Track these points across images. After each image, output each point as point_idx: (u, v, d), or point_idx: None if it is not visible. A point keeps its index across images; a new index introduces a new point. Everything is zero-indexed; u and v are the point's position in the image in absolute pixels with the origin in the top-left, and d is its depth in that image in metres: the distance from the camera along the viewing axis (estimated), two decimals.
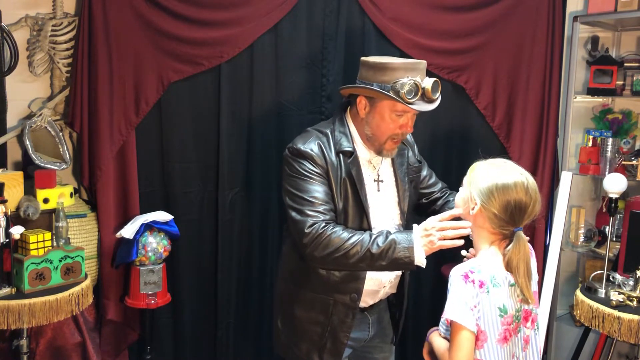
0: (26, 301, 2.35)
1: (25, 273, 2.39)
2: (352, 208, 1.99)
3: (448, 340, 1.73)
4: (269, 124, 3.07)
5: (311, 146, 1.96)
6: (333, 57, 3.00)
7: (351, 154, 2.00)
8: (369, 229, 2.01)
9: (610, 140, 3.12)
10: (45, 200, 2.69)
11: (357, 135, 2.06)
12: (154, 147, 3.10)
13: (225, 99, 3.04)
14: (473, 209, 1.76)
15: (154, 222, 2.94)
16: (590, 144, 3.22)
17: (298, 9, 2.97)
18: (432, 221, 1.86)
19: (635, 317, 2.38)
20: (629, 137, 3.23)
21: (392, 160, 2.13)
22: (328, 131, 2.03)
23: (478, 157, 1.82)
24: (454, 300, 1.67)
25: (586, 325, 2.57)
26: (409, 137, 2.27)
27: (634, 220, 2.64)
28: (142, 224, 2.91)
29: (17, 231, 2.41)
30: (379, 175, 2.10)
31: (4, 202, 2.38)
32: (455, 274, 1.69)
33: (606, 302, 2.49)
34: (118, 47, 2.94)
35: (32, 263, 2.41)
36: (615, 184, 2.60)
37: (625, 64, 3.13)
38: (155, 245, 2.93)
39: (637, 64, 3.12)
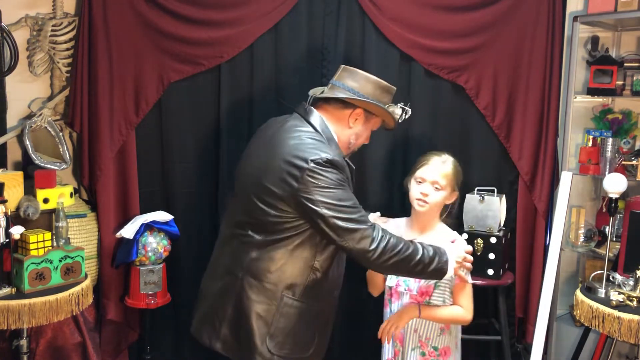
0: (26, 301, 2.35)
1: (25, 273, 2.39)
2: None
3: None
4: None
5: (335, 155, 1.94)
6: (333, 57, 3.00)
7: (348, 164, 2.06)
8: None
9: (610, 140, 3.12)
10: (45, 200, 2.69)
11: (338, 142, 2.10)
12: (154, 147, 3.10)
13: (225, 99, 3.04)
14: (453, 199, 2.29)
15: (154, 222, 2.94)
16: (590, 144, 3.21)
17: (298, 9, 2.97)
18: (463, 251, 2.13)
19: (635, 317, 2.38)
20: (629, 137, 3.23)
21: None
22: (325, 140, 2.01)
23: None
24: None
25: (586, 325, 2.57)
26: None
27: (634, 220, 2.64)
28: (142, 224, 2.91)
29: (17, 231, 2.41)
30: None
31: (4, 202, 2.38)
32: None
33: (606, 302, 2.49)
34: (118, 47, 2.94)
35: (32, 263, 2.41)
36: (615, 184, 2.60)
37: (625, 64, 3.13)
38: (155, 245, 2.93)
39: (637, 64, 3.11)
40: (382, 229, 1.94)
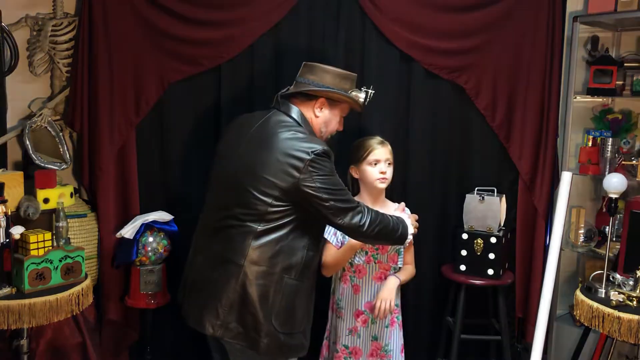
0: (26, 301, 2.35)
1: (26, 273, 2.39)
2: None
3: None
4: None
5: (326, 146, 2.16)
6: (333, 57, 2.99)
7: None
8: None
9: (610, 140, 3.12)
10: (45, 200, 2.69)
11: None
12: (154, 147, 3.10)
13: (225, 99, 3.04)
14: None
15: (154, 222, 2.94)
16: (590, 144, 3.22)
17: (298, 9, 2.97)
18: (413, 219, 2.47)
19: (635, 317, 2.38)
20: (629, 137, 3.23)
21: None
22: (308, 132, 2.24)
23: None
24: None
25: (586, 325, 2.57)
26: None
27: (634, 220, 2.64)
28: (142, 224, 2.91)
29: (17, 231, 2.41)
30: None
31: (4, 202, 2.38)
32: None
33: (606, 302, 2.49)
34: (118, 47, 2.94)
35: (32, 263, 2.41)
36: (615, 184, 2.60)
37: (625, 64, 3.13)
38: (155, 245, 2.93)
39: (637, 64, 3.12)
40: (366, 206, 2.22)
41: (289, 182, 2.07)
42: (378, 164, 2.59)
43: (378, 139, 2.65)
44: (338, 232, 2.64)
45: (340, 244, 2.61)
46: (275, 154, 2.09)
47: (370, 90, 2.39)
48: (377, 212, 2.25)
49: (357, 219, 2.15)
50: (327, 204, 2.10)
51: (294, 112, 2.25)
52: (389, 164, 2.62)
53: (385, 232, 2.25)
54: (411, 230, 2.36)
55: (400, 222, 2.33)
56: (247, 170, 2.13)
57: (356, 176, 2.66)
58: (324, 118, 2.31)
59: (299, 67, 3.02)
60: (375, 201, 2.66)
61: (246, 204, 2.11)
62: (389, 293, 2.58)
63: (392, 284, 2.61)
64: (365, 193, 2.67)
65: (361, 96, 2.35)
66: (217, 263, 2.17)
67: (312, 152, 2.08)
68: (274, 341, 2.12)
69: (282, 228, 2.12)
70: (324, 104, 2.29)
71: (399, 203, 2.78)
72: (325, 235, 2.66)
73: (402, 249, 2.67)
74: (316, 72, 2.30)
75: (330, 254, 2.61)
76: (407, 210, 2.64)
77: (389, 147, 2.64)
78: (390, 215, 2.32)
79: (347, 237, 2.59)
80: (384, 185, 2.62)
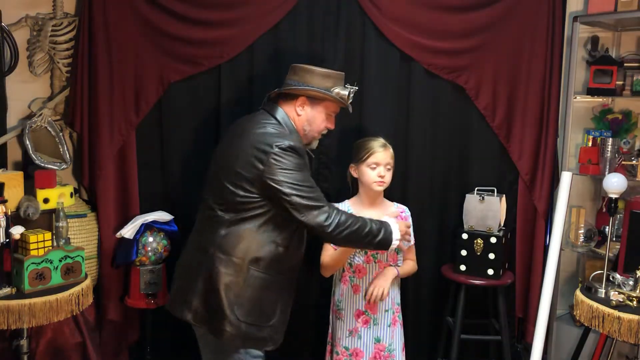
0: (26, 301, 2.35)
1: (26, 273, 2.39)
2: None
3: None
4: None
5: (296, 142, 2.19)
6: (333, 57, 3.00)
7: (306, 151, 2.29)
8: None
9: (610, 140, 3.12)
10: (45, 200, 2.69)
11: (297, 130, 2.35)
12: (154, 147, 3.10)
13: (225, 99, 3.04)
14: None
15: (154, 222, 2.94)
16: (590, 144, 3.22)
17: (298, 9, 2.97)
18: (404, 226, 2.42)
19: (635, 317, 2.38)
20: (629, 137, 3.23)
21: (310, 151, 2.46)
22: (287, 130, 2.27)
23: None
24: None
25: (586, 325, 2.57)
26: None
27: (634, 220, 2.64)
28: (142, 224, 2.91)
29: (17, 231, 2.41)
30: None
31: (4, 202, 2.38)
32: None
33: (606, 302, 2.49)
34: (118, 47, 2.94)
35: (32, 263, 2.41)
36: (615, 184, 2.60)
37: (625, 64, 3.13)
38: (155, 245, 2.93)
39: (637, 64, 3.12)
40: (337, 208, 2.21)
41: (253, 174, 2.12)
42: (377, 167, 2.59)
43: (381, 141, 2.64)
44: None
45: None
46: (244, 146, 2.16)
47: (353, 88, 2.38)
48: (351, 216, 2.23)
49: (321, 218, 2.13)
50: (288, 198, 2.11)
51: (278, 111, 2.30)
52: (389, 168, 2.62)
53: (357, 237, 2.21)
54: (397, 236, 2.31)
55: (383, 227, 2.28)
56: (223, 164, 2.22)
57: (355, 175, 2.67)
58: (306, 116, 2.34)
59: None
60: (372, 202, 2.67)
61: (219, 194, 2.20)
62: (384, 281, 2.58)
63: (390, 273, 2.62)
64: (363, 192, 2.68)
65: (343, 93, 2.35)
66: (195, 251, 2.28)
67: (276, 145, 2.12)
68: (236, 330, 2.16)
69: (252, 220, 2.17)
70: (304, 102, 2.33)
71: (398, 203, 2.79)
72: None
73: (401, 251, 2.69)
74: (299, 73, 2.34)
75: (328, 254, 2.62)
76: (408, 214, 2.72)
77: (391, 151, 2.64)
78: (371, 220, 2.27)
79: None
80: (380, 189, 2.63)
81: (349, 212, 2.66)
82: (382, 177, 2.59)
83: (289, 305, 2.34)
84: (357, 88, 2.40)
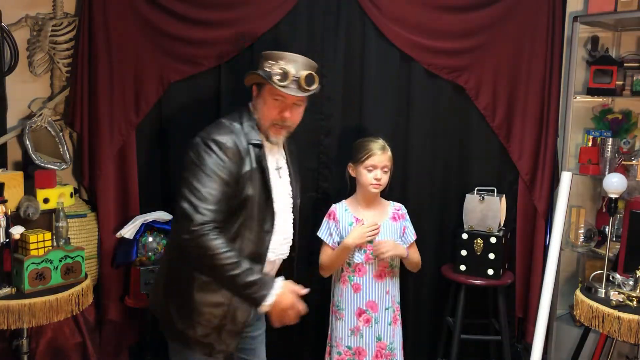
0: (26, 301, 2.35)
1: (26, 273, 2.39)
2: (260, 195, 2.12)
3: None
4: None
5: (226, 139, 2.04)
6: (333, 57, 3.00)
7: (260, 146, 2.13)
8: (273, 212, 2.16)
9: (610, 140, 3.12)
10: (45, 200, 2.69)
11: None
12: (154, 147, 3.10)
13: (225, 99, 3.04)
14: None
15: (154, 222, 2.94)
16: (590, 144, 3.21)
17: (298, 9, 2.97)
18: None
19: (635, 317, 2.38)
20: (629, 137, 3.23)
21: (285, 149, 2.34)
22: (237, 124, 2.12)
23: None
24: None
25: (586, 325, 2.57)
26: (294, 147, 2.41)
27: (634, 220, 2.64)
28: (142, 224, 2.91)
29: (17, 231, 2.41)
30: (277, 163, 2.26)
31: (4, 202, 2.38)
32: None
33: (606, 302, 2.49)
34: (118, 47, 2.94)
35: (32, 263, 2.41)
36: (615, 184, 2.60)
37: (625, 64, 3.13)
38: (155, 245, 2.93)
39: (637, 64, 3.11)
40: (219, 235, 1.94)
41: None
42: (374, 170, 2.60)
43: (380, 143, 2.64)
44: (333, 232, 2.66)
45: (336, 244, 2.62)
46: None
47: (285, 67, 2.10)
48: (230, 250, 1.93)
49: (187, 230, 1.91)
50: (179, 195, 1.97)
51: (250, 104, 2.22)
52: (385, 171, 2.63)
53: (218, 273, 1.95)
54: (269, 302, 1.95)
55: (261, 286, 1.95)
56: None
57: (353, 174, 2.68)
58: (256, 105, 2.19)
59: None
60: (369, 201, 2.69)
61: None
62: (393, 247, 2.60)
63: (401, 248, 2.65)
64: (359, 192, 2.71)
65: (275, 71, 2.10)
66: None
67: (200, 137, 2.03)
68: (171, 325, 2.13)
69: None
70: (255, 90, 2.21)
71: (399, 202, 2.80)
72: (321, 236, 2.68)
73: (400, 240, 2.70)
74: (259, 60, 2.22)
75: (326, 254, 2.63)
76: (405, 211, 2.76)
77: (389, 153, 2.65)
78: (254, 272, 1.96)
79: (342, 236, 2.63)
80: (376, 191, 2.65)
81: (346, 212, 2.68)
82: (378, 180, 2.61)
83: (232, 308, 2.14)
84: (311, 73, 2.14)
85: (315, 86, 2.16)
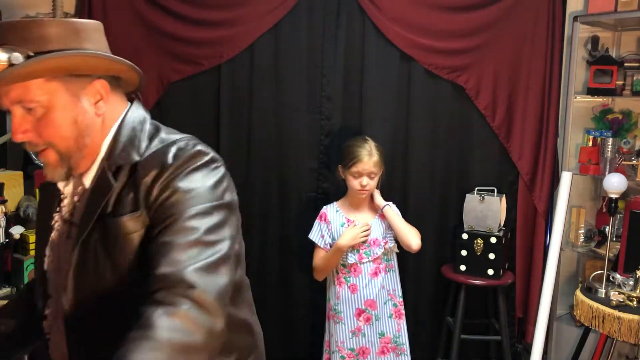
0: None
1: (25, 273, 2.39)
2: None
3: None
4: (268, 124, 3.07)
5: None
6: (333, 57, 3.00)
7: None
8: None
9: (610, 140, 3.11)
10: None
11: None
12: None
13: (225, 99, 3.04)
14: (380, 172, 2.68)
15: None
16: (590, 144, 3.21)
17: (298, 9, 2.97)
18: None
19: (635, 317, 2.38)
20: (629, 137, 3.23)
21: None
22: None
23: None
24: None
25: (586, 325, 2.57)
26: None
27: (634, 220, 2.64)
28: None
29: (17, 231, 2.41)
30: None
31: (4, 202, 2.38)
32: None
33: (606, 302, 2.49)
34: (118, 47, 2.92)
35: (32, 263, 2.41)
36: (615, 184, 2.60)
37: (625, 64, 3.13)
38: None
39: (637, 64, 3.11)
40: None
41: None
42: (360, 177, 2.60)
43: (367, 148, 2.62)
44: (325, 234, 2.66)
45: (328, 246, 2.63)
46: None
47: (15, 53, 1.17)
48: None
49: None
50: None
51: None
52: (372, 177, 2.61)
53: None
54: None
55: None
56: None
57: (342, 177, 2.70)
58: None
59: (299, 67, 3.04)
60: (358, 204, 2.71)
61: None
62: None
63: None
64: (349, 195, 2.73)
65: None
66: None
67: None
68: None
69: None
70: None
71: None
72: (313, 238, 2.69)
73: (390, 233, 2.69)
74: None
75: (319, 256, 2.63)
76: (394, 207, 2.72)
77: (377, 157, 2.62)
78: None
79: (334, 238, 2.64)
80: (363, 197, 2.66)
81: (337, 213, 2.69)
82: (364, 186, 2.60)
83: None
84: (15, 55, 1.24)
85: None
